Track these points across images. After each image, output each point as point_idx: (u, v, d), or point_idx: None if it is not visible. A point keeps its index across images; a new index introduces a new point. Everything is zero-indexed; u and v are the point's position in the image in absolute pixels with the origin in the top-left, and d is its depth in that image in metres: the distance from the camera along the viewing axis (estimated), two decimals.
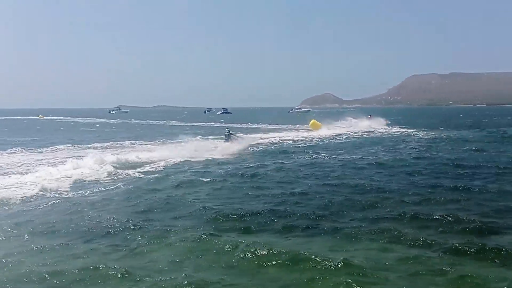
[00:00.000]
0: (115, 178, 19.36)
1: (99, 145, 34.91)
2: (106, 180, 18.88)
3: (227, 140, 34.13)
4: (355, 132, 48.90)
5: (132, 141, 38.25)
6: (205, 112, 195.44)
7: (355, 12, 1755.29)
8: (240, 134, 39.06)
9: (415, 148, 30.47)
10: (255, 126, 67.61)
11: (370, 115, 69.37)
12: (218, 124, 76.98)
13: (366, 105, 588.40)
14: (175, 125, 78.55)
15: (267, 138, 41.37)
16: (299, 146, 33.90)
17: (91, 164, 21.59)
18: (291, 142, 37.82)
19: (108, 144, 35.42)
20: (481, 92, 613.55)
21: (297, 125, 62.78)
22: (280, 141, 38.60)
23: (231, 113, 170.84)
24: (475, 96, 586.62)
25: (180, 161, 24.40)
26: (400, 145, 33.23)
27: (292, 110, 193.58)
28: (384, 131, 51.70)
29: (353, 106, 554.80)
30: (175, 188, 16.90)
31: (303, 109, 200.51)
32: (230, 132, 35.64)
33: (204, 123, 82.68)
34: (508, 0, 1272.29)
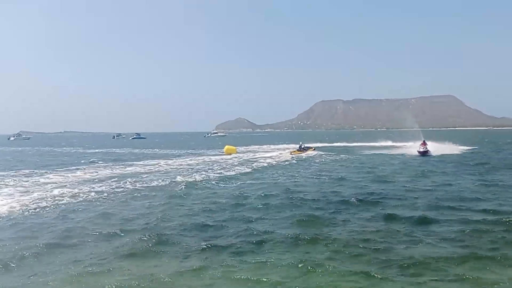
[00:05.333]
0: None
1: None
2: None
3: (300, 149, 51.93)
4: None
5: None
6: (114, 137, 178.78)
7: (267, 41, 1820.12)
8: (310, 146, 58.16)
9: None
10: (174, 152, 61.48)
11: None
12: (120, 150, 68.10)
13: (278, 129, 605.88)
14: (71, 152, 67.04)
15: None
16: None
17: None
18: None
19: None
20: (382, 117, 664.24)
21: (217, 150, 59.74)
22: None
23: (145, 138, 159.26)
24: (377, 120, 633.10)
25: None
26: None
27: (208, 134, 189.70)
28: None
29: (266, 130, 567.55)
30: None
31: (219, 134, 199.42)
32: (302, 144, 54.96)
33: (109, 149, 72.88)
34: (403, 35, 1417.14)
